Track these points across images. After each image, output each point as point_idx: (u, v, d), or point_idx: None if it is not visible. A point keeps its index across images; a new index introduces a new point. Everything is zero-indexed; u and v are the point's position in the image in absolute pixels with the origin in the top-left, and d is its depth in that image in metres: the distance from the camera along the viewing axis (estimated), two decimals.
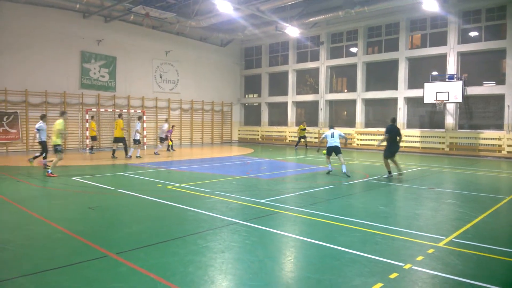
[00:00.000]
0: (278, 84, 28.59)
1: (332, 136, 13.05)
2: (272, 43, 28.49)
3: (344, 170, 12.20)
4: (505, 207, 8.18)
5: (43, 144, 13.47)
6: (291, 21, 22.81)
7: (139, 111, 22.77)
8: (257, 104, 30.19)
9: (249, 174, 12.56)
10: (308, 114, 26.98)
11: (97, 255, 4.99)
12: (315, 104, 26.26)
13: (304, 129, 23.36)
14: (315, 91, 26.38)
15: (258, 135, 29.30)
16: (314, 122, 26.01)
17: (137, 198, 8.63)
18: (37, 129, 13.45)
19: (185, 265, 4.67)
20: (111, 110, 22.24)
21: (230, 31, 26.08)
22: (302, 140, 23.42)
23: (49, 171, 11.55)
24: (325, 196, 9.16)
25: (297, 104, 27.74)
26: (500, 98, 19.06)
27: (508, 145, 18.59)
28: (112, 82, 22.65)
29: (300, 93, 27.46)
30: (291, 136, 26.94)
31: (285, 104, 27.94)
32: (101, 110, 21.73)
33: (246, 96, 31.01)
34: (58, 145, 11.82)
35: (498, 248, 5.35)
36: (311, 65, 26.31)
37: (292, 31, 23.10)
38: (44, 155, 13.52)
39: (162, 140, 19.69)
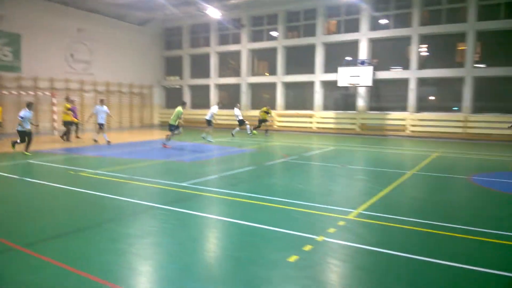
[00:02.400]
0: (201, 67, 28.15)
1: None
2: (194, 24, 27.83)
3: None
4: (408, 180, 9.07)
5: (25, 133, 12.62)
6: (212, 2, 22.45)
7: (47, 93, 20.99)
8: (178, 86, 29.48)
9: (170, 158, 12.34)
10: (231, 97, 27.04)
11: (1, 248, 4.59)
12: (237, 87, 26.39)
13: (268, 113, 21.13)
14: (238, 74, 26.48)
15: (181, 118, 28.68)
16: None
17: (47, 187, 8.03)
18: (21, 117, 12.47)
19: (101, 253, 4.50)
20: (15, 92, 20.17)
21: (149, 9, 24.90)
22: (263, 124, 21.20)
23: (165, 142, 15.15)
24: (246, 177, 9.35)
25: (220, 87, 27.64)
26: (405, 82, 20.82)
27: (411, 125, 20.50)
28: (16, 62, 20.49)
29: (223, 76, 27.37)
30: (214, 119, 26.78)
31: (208, 86, 27.69)
32: (4, 92, 19.60)
33: (167, 78, 30.11)
34: (174, 125, 15.27)
35: (401, 218, 5.94)
36: (233, 47, 26.27)
37: (213, 12, 22.78)
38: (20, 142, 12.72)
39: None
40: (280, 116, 24.36)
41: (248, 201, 6.89)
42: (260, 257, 4.39)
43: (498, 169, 10.96)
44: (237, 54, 26.27)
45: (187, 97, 28.79)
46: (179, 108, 15.62)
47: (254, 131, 20.60)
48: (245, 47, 25.61)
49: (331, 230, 5.30)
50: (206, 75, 27.66)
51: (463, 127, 19.25)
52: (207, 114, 18.91)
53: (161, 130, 25.56)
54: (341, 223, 5.62)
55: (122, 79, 26.32)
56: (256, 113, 22.47)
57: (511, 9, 18.33)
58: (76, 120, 17.64)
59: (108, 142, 15.96)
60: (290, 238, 5.00)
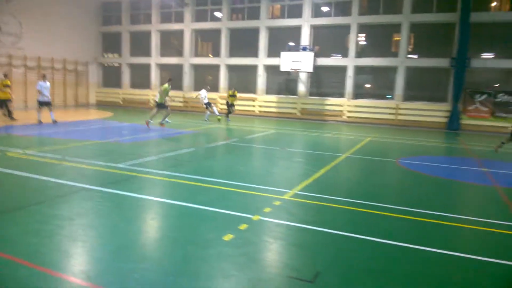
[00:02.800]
0: (141, 45, 27.05)
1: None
2: None
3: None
4: (342, 163, 9.52)
5: None
6: None
7: None
8: (117, 64, 28.18)
9: (124, 136, 11.87)
10: (173, 77, 26.32)
11: None
12: (180, 67, 25.79)
13: (234, 96, 19.72)
14: (180, 54, 25.84)
15: (119, 98, 27.59)
16: (178, 86, 25.63)
17: None
18: None
19: (28, 235, 4.28)
20: None
21: None
22: (231, 109, 19.73)
23: (162, 122, 15.23)
24: (187, 158, 9.28)
25: (161, 67, 26.83)
26: (343, 69, 21.60)
27: (348, 111, 21.41)
28: None
29: (165, 55, 26.56)
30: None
31: (148, 66, 26.75)
32: None
33: (105, 56, 28.63)
34: (163, 104, 15.11)
35: (333, 198, 6.26)
36: (175, 26, 25.51)
37: None
38: None
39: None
40: (223, 99, 24.24)
41: (187, 182, 6.87)
42: (196, 236, 4.43)
43: (423, 153, 11.84)
44: (180, 33, 25.58)
45: (126, 76, 27.67)
46: (166, 85, 15.12)
47: (219, 117, 18.85)
48: (188, 26, 25.00)
49: (267, 209, 5.46)
50: (147, 53, 26.68)
51: (395, 114, 20.47)
52: (156, 95, 17.92)
53: (97, 109, 24.40)
54: (277, 203, 5.81)
55: (55, 54, 24.60)
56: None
57: (443, 3, 19.59)
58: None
59: (40, 121, 14.96)
60: (227, 218, 5.09)
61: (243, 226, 4.74)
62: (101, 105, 27.60)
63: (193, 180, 6.97)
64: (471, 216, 5.74)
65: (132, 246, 4.17)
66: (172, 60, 26.04)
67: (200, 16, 24.92)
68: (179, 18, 25.38)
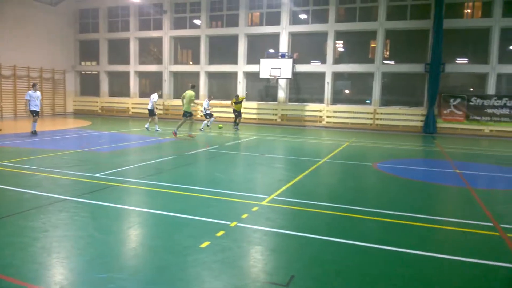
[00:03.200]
0: (119, 52, 26.84)
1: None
2: (112, 6, 26.41)
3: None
4: (320, 168, 9.65)
5: None
6: None
7: None
8: (95, 72, 27.85)
9: (84, 148, 11.70)
10: (152, 85, 26.24)
11: None
12: (159, 75, 25.67)
13: (239, 103, 19.04)
14: (160, 61, 25.74)
15: (97, 106, 27.24)
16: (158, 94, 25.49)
17: None
18: None
19: (1, 248, 4.20)
20: None
21: None
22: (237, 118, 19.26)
23: (190, 133, 14.92)
24: (166, 166, 9.24)
25: (140, 74, 26.66)
26: (322, 76, 21.91)
27: (327, 116, 21.70)
28: None
29: (144, 63, 26.42)
30: (134, 108, 25.89)
31: (127, 73, 26.53)
32: None
33: (82, 63, 28.26)
34: (190, 112, 14.92)
35: (311, 202, 6.34)
36: (154, 34, 25.43)
37: None
38: None
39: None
40: (202, 106, 24.21)
41: (165, 190, 6.85)
42: (173, 245, 4.44)
43: (400, 157, 12.11)
44: (159, 40, 25.50)
45: (104, 84, 27.36)
46: (192, 92, 15.01)
47: (220, 125, 18.76)
48: (167, 34, 24.96)
49: (245, 215, 5.50)
50: (126, 61, 26.47)
51: (373, 118, 20.86)
52: (148, 103, 17.68)
53: (75, 118, 24.03)
54: (255, 208, 5.85)
55: (31, 62, 24.18)
56: (179, 102, 21.93)
57: (417, 11, 20.15)
58: None
59: (34, 132, 14.29)
60: (204, 225, 5.10)
61: (220, 233, 4.77)
62: (79, 114, 27.20)
63: (172, 188, 6.96)
64: (446, 217, 5.91)
65: (108, 256, 4.15)
66: (152, 68, 25.93)
67: (179, 24, 24.92)
68: (158, 26, 25.32)
